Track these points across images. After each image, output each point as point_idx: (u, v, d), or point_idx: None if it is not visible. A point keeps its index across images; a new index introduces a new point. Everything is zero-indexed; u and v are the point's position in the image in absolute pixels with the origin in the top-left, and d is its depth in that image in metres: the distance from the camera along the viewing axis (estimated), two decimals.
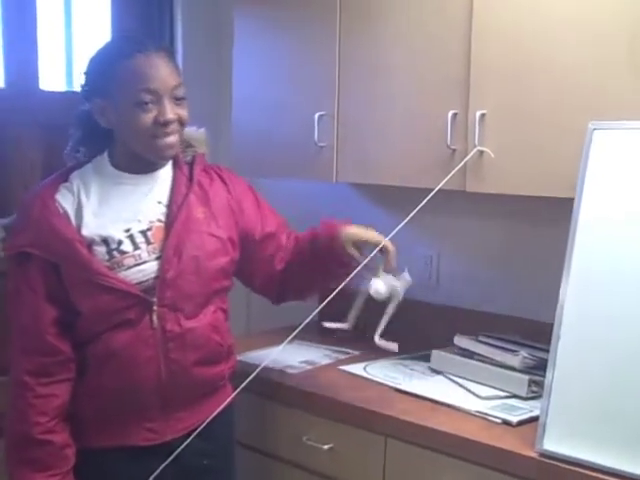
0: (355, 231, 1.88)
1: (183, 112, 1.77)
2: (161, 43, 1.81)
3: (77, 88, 2.88)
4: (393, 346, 1.91)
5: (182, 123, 1.78)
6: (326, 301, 1.80)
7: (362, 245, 1.88)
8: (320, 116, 2.34)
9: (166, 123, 1.73)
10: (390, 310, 1.89)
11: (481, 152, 1.97)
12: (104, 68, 1.75)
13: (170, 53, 1.80)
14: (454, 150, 2.05)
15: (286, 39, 2.47)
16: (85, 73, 1.81)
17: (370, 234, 1.88)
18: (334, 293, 1.79)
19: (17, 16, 2.66)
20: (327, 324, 1.95)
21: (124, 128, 1.76)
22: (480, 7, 2.00)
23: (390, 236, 1.89)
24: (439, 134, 2.05)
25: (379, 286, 1.87)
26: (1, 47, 2.64)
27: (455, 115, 2.05)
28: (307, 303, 2.14)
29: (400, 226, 1.89)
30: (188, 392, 1.80)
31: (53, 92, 2.81)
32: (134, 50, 1.73)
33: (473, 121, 2.00)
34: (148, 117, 1.72)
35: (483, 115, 1.99)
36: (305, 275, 1.99)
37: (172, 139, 1.77)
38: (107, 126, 1.78)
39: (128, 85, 1.72)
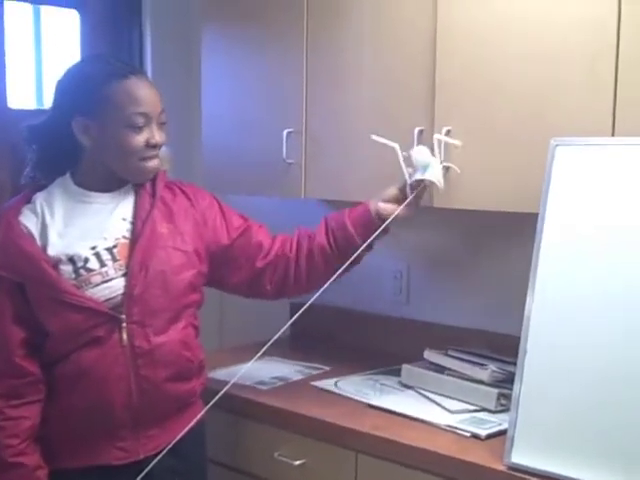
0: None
1: (164, 136, 1.82)
2: (139, 68, 1.85)
3: (47, 106, 2.90)
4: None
5: (161, 146, 1.82)
6: (295, 316, 1.81)
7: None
8: (288, 133, 2.36)
9: (155, 146, 1.78)
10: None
11: (447, 168, 1.99)
12: (91, 87, 1.75)
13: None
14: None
15: (253, 56, 2.48)
16: (63, 90, 1.81)
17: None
18: (304, 308, 1.79)
19: None
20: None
21: (109, 148, 1.78)
22: (443, 25, 2.02)
23: (358, 252, 1.90)
24: (405, 150, 2.06)
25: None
26: None
27: (421, 131, 2.07)
28: (276, 317, 2.15)
29: (368, 242, 1.91)
30: (159, 409, 1.80)
31: (22, 110, 2.80)
32: (128, 72, 1.76)
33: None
34: (139, 139, 1.76)
35: (449, 131, 2.01)
36: (317, 268, 1.98)
37: (156, 162, 1.82)
38: (87, 144, 1.78)
39: (121, 107, 1.74)
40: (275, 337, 1.81)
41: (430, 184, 1.91)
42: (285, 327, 1.85)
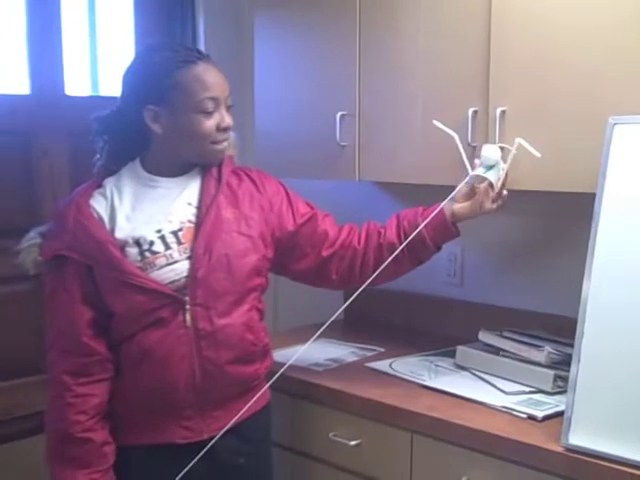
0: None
1: (231, 119, 1.84)
2: (204, 52, 1.86)
3: (102, 93, 2.95)
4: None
5: (231, 129, 1.86)
6: (351, 299, 1.82)
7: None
8: (342, 115, 2.36)
9: (226, 129, 1.82)
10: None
11: (502, 148, 1.98)
12: (160, 76, 1.77)
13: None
14: (475, 147, 2.05)
15: (307, 39, 2.49)
16: (131, 80, 1.83)
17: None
18: (359, 291, 1.81)
19: (42, 22, 2.70)
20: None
21: (180, 134, 1.80)
22: (498, 4, 2.00)
23: (413, 235, 1.90)
24: (460, 131, 2.05)
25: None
26: (26, 53, 2.68)
27: (475, 112, 2.06)
28: (331, 300, 2.16)
29: (423, 224, 1.91)
30: (223, 391, 1.82)
31: (79, 97, 2.85)
32: (196, 57, 1.79)
33: (493, 118, 2.01)
34: (211, 123, 1.79)
35: (503, 112, 2.00)
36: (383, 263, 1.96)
37: (226, 144, 1.86)
38: (158, 132, 1.81)
39: (191, 92, 1.77)
40: (332, 319, 1.83)
41: (487, 184, 1.90)
42: (341, 309, 1.86)
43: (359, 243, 2.00)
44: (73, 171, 2.76)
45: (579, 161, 1.89)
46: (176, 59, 1.78)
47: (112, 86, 2.96)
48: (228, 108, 1.84)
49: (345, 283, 2.04)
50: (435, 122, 1.98)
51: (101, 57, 3.00)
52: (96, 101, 2.89)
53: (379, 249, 1.98)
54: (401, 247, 1.92)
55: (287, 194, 2.01)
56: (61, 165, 2.76)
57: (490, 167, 1.90)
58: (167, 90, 1.77)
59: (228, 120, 1.82)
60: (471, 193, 1.94)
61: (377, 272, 1.89)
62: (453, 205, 1.94)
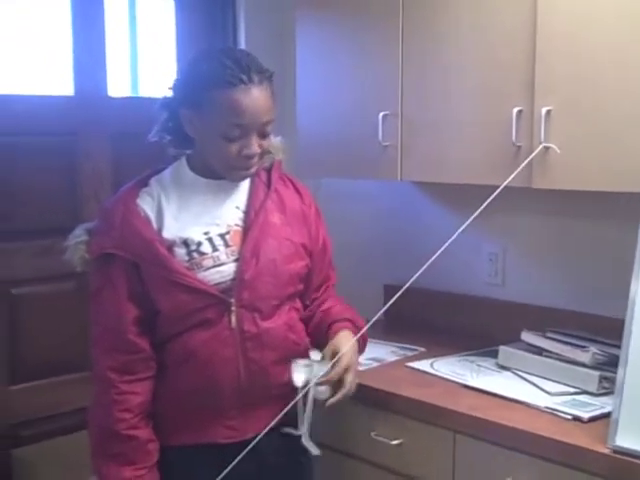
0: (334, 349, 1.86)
1: (266, 143, 1.81)
2: (266, 72, 1.78)
3: (143, 94, 2.97)
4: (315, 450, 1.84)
5: (263, 153, 1.82)
6: (392, 300, 1.82)
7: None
8: (384, 115, 2.36)
9: (249, 156, 1.78)
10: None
11: (547, 148, 1.97)
12: (202, 85, 1.75)
13: (271, 82, 1.79)
14: (519, 147, 2.05)
15: (349, 38, 2.49)
16: (179, 78, 1.84)
17: (335, 371, 1.82)
18: (400, 292, 1.81)
19: (86, 24, 2.72)
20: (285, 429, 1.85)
21: (206, 146, 1.81)
22: (544, 3, 1.99)
23: (455, 235, 1.90)
24: (504, 131, 2.05)
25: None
26: (71, 55, 2.71)
27: (520, 112, 2.05)
28: (372, 300, 2.16)
29: (466, 224, 1.90)
30: (266, 391, 1.83)
31: (121, 98, 2.87)
32: (237, 80, 1.72)
33: (539, 117, 2.00)
34: (233, 148, 1.77)
35: (549, 111, 1.98)
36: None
37: (251, 171, 1.83)
38: (192, 135, 1.82)
39: (220, 115, 1.74)
40: (374, 319, 1.84)
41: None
42: (383, 310, 1.86)
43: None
44: (115, 173, 2.79)
45: (626, 160, 1.88)
46: (218, 75, 1.74)
47: (152, 87, 2.99)
48: (263, 134, 1.79)
49: None
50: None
51: (141, 57, 3.03)
52: (138, 102, 2.92)
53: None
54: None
55: (318, 217, 2.00)
56: (103, 167, 2.79)
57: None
58: (202, 102, 1.76)
59: (254, 148, 1.77)
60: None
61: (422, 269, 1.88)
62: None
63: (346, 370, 1.83)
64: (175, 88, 1.85)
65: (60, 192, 2.71)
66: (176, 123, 1.85)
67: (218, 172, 1.84)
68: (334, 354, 1.83)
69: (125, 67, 3.00)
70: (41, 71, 2.74)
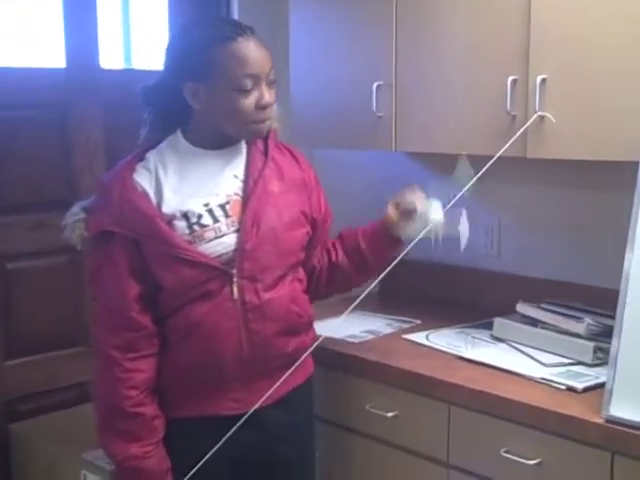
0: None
1: (274, 95, 1.80)
2: (249, 26, 1.80)
3: (135, 65, 2.95)
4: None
5: (272, 106, 1.82)
6: (386, 271, 1.80)
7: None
8: (378, 86, 2.34)
9: (265, 107, 1.77)
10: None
11: (542, 117, 1.95)
12: (198, 52, 1.74)
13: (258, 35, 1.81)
14: (514, 116, 2.03)
15: (342, 9, 2.46)
16: (172, 56, 1.82)
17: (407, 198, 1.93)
18: (393, 264, 1.79)
19: None
20: None
21: (219, 111, 1.78)
22: None
23: (449, 206, 1.89)
24: (499, 100, 2.03)
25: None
26: (62, 27, 2.69)
27: (515, 81, 2.03)
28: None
29: (460, 194, 1.89)
30: (269, 362, 1.82)
31: (113, 70, 2.85)
32: (234, 33, 1.74)
33: (533, 86, 1.98)
34: (249, 102, 1.76)
35: (544, 80, 1.96)
36: (336, 283, 2.05)
37: (268, 123, 1.83)
38: (198, 108, 1.79)
39: (229, 70, 1.73)
40: (367, 291, 1.82)
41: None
42: (376, 281, 1.85)
43: (318, 261, 2.03)
44: (108, 143, 2.77)
45: (621, 129, 1.86)
46: (214, 35, 1.74)
47: (145, 59, 2.96)
48: (270, 84, 1.79)
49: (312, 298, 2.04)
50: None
51: (134, 30, 3.00)
52: (130, 74, 2.90)
53: (330, 269, 2.03)
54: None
55: (318, 185, 2.00)
56: (97, 137, 2.77)
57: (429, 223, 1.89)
58: (205, 67, 1.75)
59: (268, 97, 1.77)
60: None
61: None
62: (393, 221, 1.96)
63: None
64: (169, 68, 1.82)
65: (54, 164, 2.70)
66: (170, 107, 1.83)
67: (231, 135, 1.83)
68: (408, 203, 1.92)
69: (118, 40, 2.98)
70: (33, 43, 2.71)
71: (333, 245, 2.05)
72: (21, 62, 2.67)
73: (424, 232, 1.86)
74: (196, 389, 1.81)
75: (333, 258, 2.03)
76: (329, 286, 2.06)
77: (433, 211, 1.90)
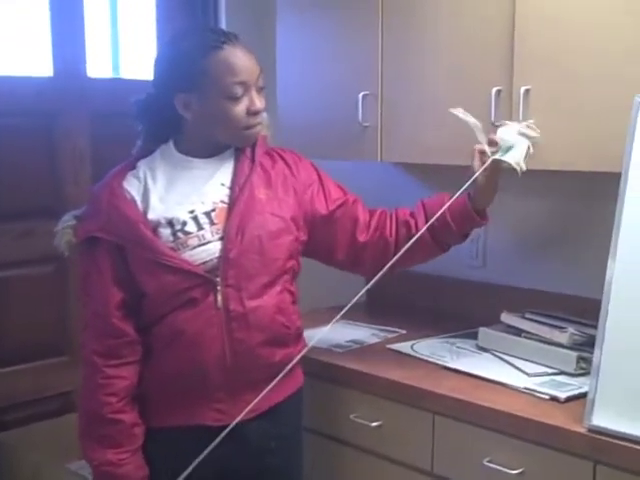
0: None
1: (264, 101, 1.82)
2: (233, 33, 1.82)
3: (123, 75, 2.95)
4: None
5: (262, 111, 1.83)
6: (373, 281, 1.80)
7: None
8: (364, 96, 2.35)
9: (256, 113, 1.79)
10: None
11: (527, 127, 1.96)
12: (187, 63, 1.76)
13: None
14: (498, 127, 2.03)
15: (328, 19, 2.47)
16: (161, 69, 1.83)
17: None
18: (380, 273, 1.80)
19: (64, 4, 2.70)
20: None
21: (211, 120, 1.80)
22: None
23: (436, 216, 1.89)
24: (483, 111, 2.03)
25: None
26: (49, 35, 2.69)
27: (499, 92, 2.04)
28: (352, 283, 2.16)
29: (447, 205, 1.90)
30: (254, 373, 1.80)
31: (101, 79, 2.85)
32: (220, 42, 1.76)
33: (517, 97, 1.99)
34: (240, 109, 1.78)
35: (527, 91, 1.98)
36: (414, 256, 1.97)
37: (259, 128, 1.84)
38: (190, 118, 1.80)
39: (219, 78, 1.75)
40: (354, 300, 1.81)
41: (508, 167, 1.86)
42: (363, 291, 1.85)
43: (390, 234, 1.99)
44: (95, 152, 2.78)
45: (604, 140, 1.88)
46: (202, 45, 1.76)
47: (133, 68, 2.97)
48: (259, 90, 1.81)
49: (378, 271, 1.99)
50: (452, 110, 1.91)
51: (122, 39, 3.01)
52: (118, 83, 2.90)
53: (409, 239, 1.94)
54: (417, 236, 1.89)
55: (320, 178, 2.00)
56: (83, 147, 2.78)
57: (508, 149, 1.87)
58: (195, 77, 1.76)
59: (259, 103, 1.79)
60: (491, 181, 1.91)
61: (396, 257, 1.86)
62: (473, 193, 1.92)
63: None
64: (159, 81, 1.83)
65: (40, 173, 2.70)
66: (162, 118, 1.84)
67: (224, 142, 1.84)
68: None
69: (106, 48, 2.98)
70: (20, 51, 2.72)
71: (411, 214, 2.00)
72: (8, 70, 2.67)
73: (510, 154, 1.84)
74: (180, 398, 1.80)
75: (412, 230, 1.96)
76: (407, 258, 1.91)
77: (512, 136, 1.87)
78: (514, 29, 2.00)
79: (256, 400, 1.73)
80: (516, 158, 1.84)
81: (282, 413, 1.89)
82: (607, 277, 1.72)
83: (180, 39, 1.81)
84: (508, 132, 1.87)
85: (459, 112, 1.90)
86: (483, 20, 2.08)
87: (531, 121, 1.93)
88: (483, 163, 1.87)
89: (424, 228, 1.89)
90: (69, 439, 2.35)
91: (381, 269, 1.86)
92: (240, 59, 1.77)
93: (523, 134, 1.87)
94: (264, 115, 1.87)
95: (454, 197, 1.89)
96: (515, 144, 1.86)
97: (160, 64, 1.84)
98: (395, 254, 1.91)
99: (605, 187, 1.88)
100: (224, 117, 1.78)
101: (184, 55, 1.77)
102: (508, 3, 2.01)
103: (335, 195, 2.00)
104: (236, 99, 1.77)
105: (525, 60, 1.99)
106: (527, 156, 1.86)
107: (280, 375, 1.75)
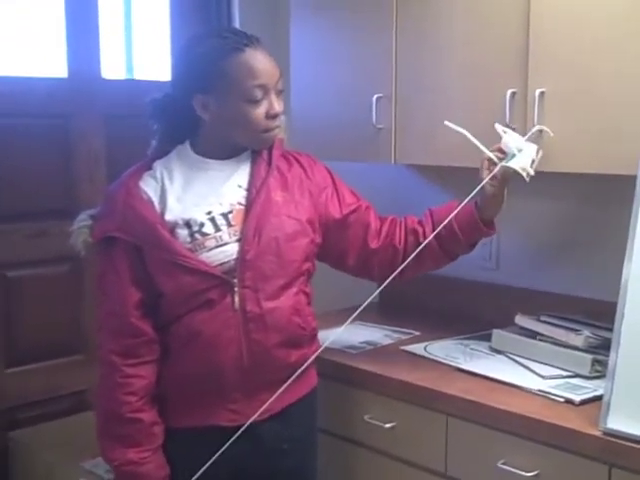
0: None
1: (282, 104, 1.83)
2: (255, 36, 1.82)
3: (137, 76, 2.96)
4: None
5: (281, 114, 1.84)
6: (386, 282, 1.81)
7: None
8: (378, 98, 2.35)
9: (275, 116, 1.80)
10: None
11: (540, 131, 1.96)
12: (207, 65, 1.76)
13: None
14: (513, 129, 2.03)
15: (343, 21, 2.47)
16: (180, 69, 1.84)
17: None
18: (393, 274, 1.80)
19: (79, 6, 2.72)
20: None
21: (230, 122, 1.80)
22: None
23: (449, 218, 1.89)
24: (498, 113, 2.03)
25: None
26: (64, 37, 2.70)
27: (514, 94, 2.04)
28: (366, 284, 2.16)
29: (460, 207, 1.90)
30: (270, 374, 1.81)
31: (115, 80, 2.86)
32: (242, 44, 1.76)
33: (532, 99, 1.99)
34: (260, 112, 1.78)
35: (542, 93, 1.98)
36: (423, 264, 1.99)
37: (277, 131, 1.85)
38: (207, 119, 1.81)
39: (238, 81, 1.76)
40: (367, 302, 1.82)
41: (515, 173, 1.85)
42: (376, 292, 1.86)
43: (399, 242, 1.99)
44: (110, 154, 2.79)
45: (619, 142, 1.87)
46: (223, 47, 1.76)
47: (147, 69, 2.98)
48: (278, 93, 1.81)
49: (385, 278, 1.99)
50: (446, 122, 1.93)
51: (136, 41, 3.02)
52: (132, 84, 2.91)
53: (416, 246, 1.95)
54: (425, 243, 1.91)
55: (334, 182, 2.00)
56: (98, 148, 2.79)
57: (514, 155, 1.86)
58: (214, 79, 1.76)
59: (277, 107, 1.80)
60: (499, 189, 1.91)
61: (405, 263, 1.87)
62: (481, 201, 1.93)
63: None
64: (178, 81, 1.84)
65: (54, 174, 2.72)
66: (179, 118, 1.84)
67: (242, 144, 1.84)
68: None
69: (120, 50, 2.99)
70: (34, 52, 2.73)
71: (419, 223, 2.01)
72: (23, 71, 2.68)
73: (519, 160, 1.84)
74: (196, 398, 1.81)
75: (420, 238, 1.97)
76: (416, 266, 1.93)
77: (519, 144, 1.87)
78: (529, 30, 2.00)
79: (271, 400, 1.73)
80: (521, 163, 1.84)
81: (294, 415, 1.89)
82: (623, 279, 1.71)
83: (201, 40, 1.81)
84: (513, 139, 1.87)
85: (449, 124, 1.92)
86: (497, 22, 2.08)
87: (537, 128, 1.93)
88: (491, 172, 1.87)
89: (431, 236, 1.90)
90: (83, 438, 2.37)
91: (390, 275, 1.87)
92: (261, 62, 1.77)
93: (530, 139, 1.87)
94: (282, 118, 1.87)
95: (460, 205, 1.90)
96: (521, 150, 1.86)
97: (179, 64, 1.85)
98: (403, 262, 1.92)
99: (620, 189, 1.88)
100: (243, 119, 1.79)
101: (205, 56, 1.78)
102: (523, 3, 2.00)
103: (349, 200, 2.00)
104: (256, 102, 1.77)
105: (540, 60, 1.99)
106: (536, 161, 1.86)
107: (295, 375, 1.76)
